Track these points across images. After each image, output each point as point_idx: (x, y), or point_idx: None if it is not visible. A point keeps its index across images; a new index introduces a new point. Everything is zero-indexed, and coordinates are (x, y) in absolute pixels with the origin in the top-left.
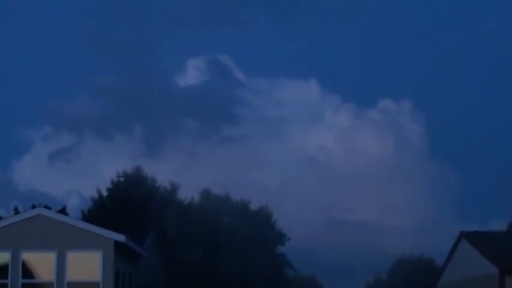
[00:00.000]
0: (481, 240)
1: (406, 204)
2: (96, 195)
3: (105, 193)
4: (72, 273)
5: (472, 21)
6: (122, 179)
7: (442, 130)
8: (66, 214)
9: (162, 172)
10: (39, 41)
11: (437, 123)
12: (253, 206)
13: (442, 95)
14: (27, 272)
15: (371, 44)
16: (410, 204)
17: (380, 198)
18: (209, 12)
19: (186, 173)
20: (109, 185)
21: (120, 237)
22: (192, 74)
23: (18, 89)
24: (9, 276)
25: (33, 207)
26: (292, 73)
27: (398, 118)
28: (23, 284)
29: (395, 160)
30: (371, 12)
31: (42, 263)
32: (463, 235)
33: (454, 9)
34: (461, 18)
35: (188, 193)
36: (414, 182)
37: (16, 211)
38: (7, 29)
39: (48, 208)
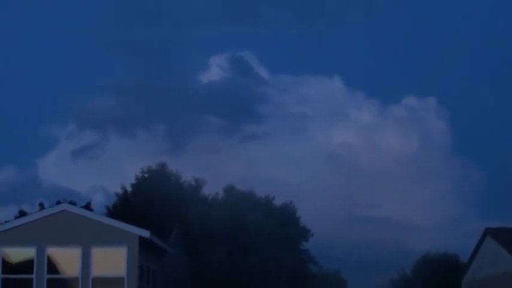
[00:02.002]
0: (505, 237)
1: (430, 201)
2: (120, 191)
3: (129, 189)
4: (97, 269)
5: (498, 17)
6: (146, 175)
7: (466, 127)
8: (91, 210)
9: (185, 169)
10: (65, 40)
11: (461, 120)
12: (277, 202)
13: (466, 91)
14: (52, 268)
15: (395, 40)
16: (435, 201)
17: (404, 195)
18: (231, 9)
19: (209, 169)
20: (133, 181)
21: (145, 233)
22: (215, 71)
23: (44, 87)
24: (34, 272)
25: (58, 203)
26: (315, 70)
27: (423, 115)
28: (48, 280)
29: (419, 157)
30: (395, 8)
31: (67, 258)
32: (488, 231)
33: (480, 5)
34: (488, 14)
35: (212, 190)
36: (438, 178)
37: (41, 207)
38: (34, 29)
39: (73, 204)
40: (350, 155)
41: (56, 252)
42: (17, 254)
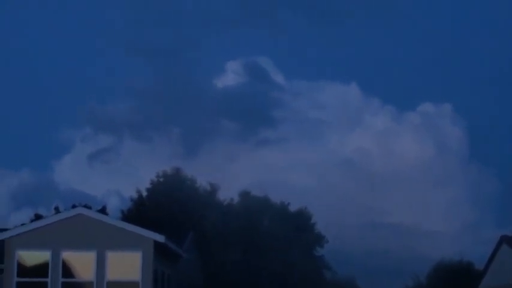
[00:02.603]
0: None
1: (446, 208)
2: (135, 195)
3: (144, 193)
4: (112, 273)
5: None
6: (161, 180)
7: (482, 133)
8: (106, 214)
9: (200, 173)
10: (81, 44)
11: (477, 126)
12: (292, 208)
13: (482, 98)
14: (67, 271)
15: (412, 47)
16: (450, 208)
17: (419, 202)
18: (248, 14)
19: (224, 174)
20: (148, 186)
21: (160, 238)
22: (231, 76)
23: (60, 91)
24: (49, 275)
25: (74, 206)
26: (331, 76)
27: (439, 121)
28: (63, 283)
29: (434, 163)
30: (411, 15)
31: (82, 262)
32: (504, 239)
33: (496, 11)
34: (503, 20)
35: (227, 195)
36: (454, 185)
37: (57, 210)
38: (50, 32)
39: (89, 208)
40: (365, 161)
41: (71, 256)
42: (32, 257)
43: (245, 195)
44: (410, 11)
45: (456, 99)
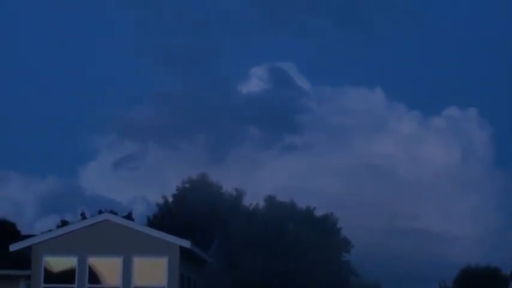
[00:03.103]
0: None
1: (472, 213)
2: (161, 201)
3: (170, 199)
4: (138, 279)
5: None
6: (187, 186)
7: (507, 138)
8: (132, 220)
9: (226, 179)
10: (105, 51)
11: (503, 130)
12: (318, 213)
13: (508, 102)
14: (93, 277)
15: (437, 51)
16: (476, 213)
17: (445, 207)
18: (272, 20)
19: (250, 180)
20: (174, 192)
21: (186, 243)
22: (255, 82)
23: (85, 98)
24: (76, 281)
25: (100, 212)
26: (356, 81)
27: (464, 126)
28: None
29: (460, 168)
30: (436, 20)
31: (108, 268)
32: None
33: None
34: None
35: (252, 200)
36: (479, 190)
37: (83, 216)
38: (76, 40)
39: (115, 213)
40: (391, 166)
41: (97, 262)
42: (59, 263)
43: (271, 200)
44: (435, 16)
45: (482, 103)
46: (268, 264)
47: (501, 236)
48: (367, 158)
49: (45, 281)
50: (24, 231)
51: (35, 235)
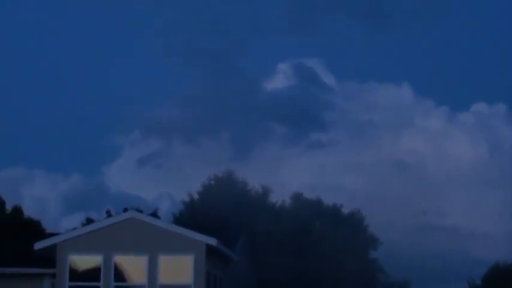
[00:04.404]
0: None
1: (500, 210)
2: (187, 198)
3: (196, 197)
4: (164, 277)
5: None
6: (213, 183)
7: None
8: (158, 217)
9: (251, 176)
10: (130, 49)
11: None
12: (345, 210)
13: None
14: (119, 275)
15: (465, 46)
16: (504, 210)
17: (473, 204)
18: (297, 16)
19: (276, 177)
20: (200, 189)
21: (212, 241)
22: (280, 78)
23: (109, 96)
24: (101, 279)
25: (125, 210)
26: (383, 77)
27: (492, 121)
28: (115, 287)
29: (488, 164)
30: (463, 15)
31: (134, 266)
32: None
33: None
34: None
35: (279, 197)
36: (508, 186)
37: (108, 214)
38: (100, 39)
39: (140, 211)
40: (418, 162)
41: (123, 260)
42: (84, 261)
43: (297, 197)
44: (463, 10)
45: (510, 98)
46: (295, 263)
47: None
48: (394, 154)
49: (71, 280)
50: (49, 230)
51: (60, 233)
